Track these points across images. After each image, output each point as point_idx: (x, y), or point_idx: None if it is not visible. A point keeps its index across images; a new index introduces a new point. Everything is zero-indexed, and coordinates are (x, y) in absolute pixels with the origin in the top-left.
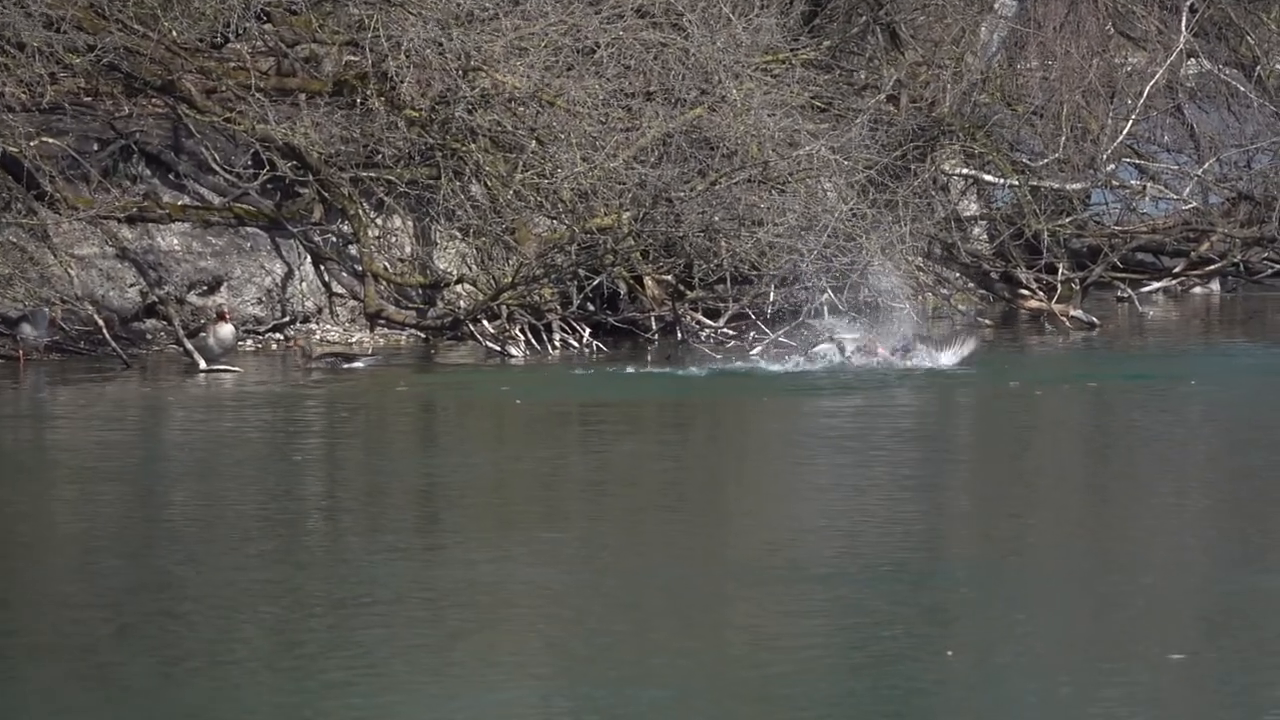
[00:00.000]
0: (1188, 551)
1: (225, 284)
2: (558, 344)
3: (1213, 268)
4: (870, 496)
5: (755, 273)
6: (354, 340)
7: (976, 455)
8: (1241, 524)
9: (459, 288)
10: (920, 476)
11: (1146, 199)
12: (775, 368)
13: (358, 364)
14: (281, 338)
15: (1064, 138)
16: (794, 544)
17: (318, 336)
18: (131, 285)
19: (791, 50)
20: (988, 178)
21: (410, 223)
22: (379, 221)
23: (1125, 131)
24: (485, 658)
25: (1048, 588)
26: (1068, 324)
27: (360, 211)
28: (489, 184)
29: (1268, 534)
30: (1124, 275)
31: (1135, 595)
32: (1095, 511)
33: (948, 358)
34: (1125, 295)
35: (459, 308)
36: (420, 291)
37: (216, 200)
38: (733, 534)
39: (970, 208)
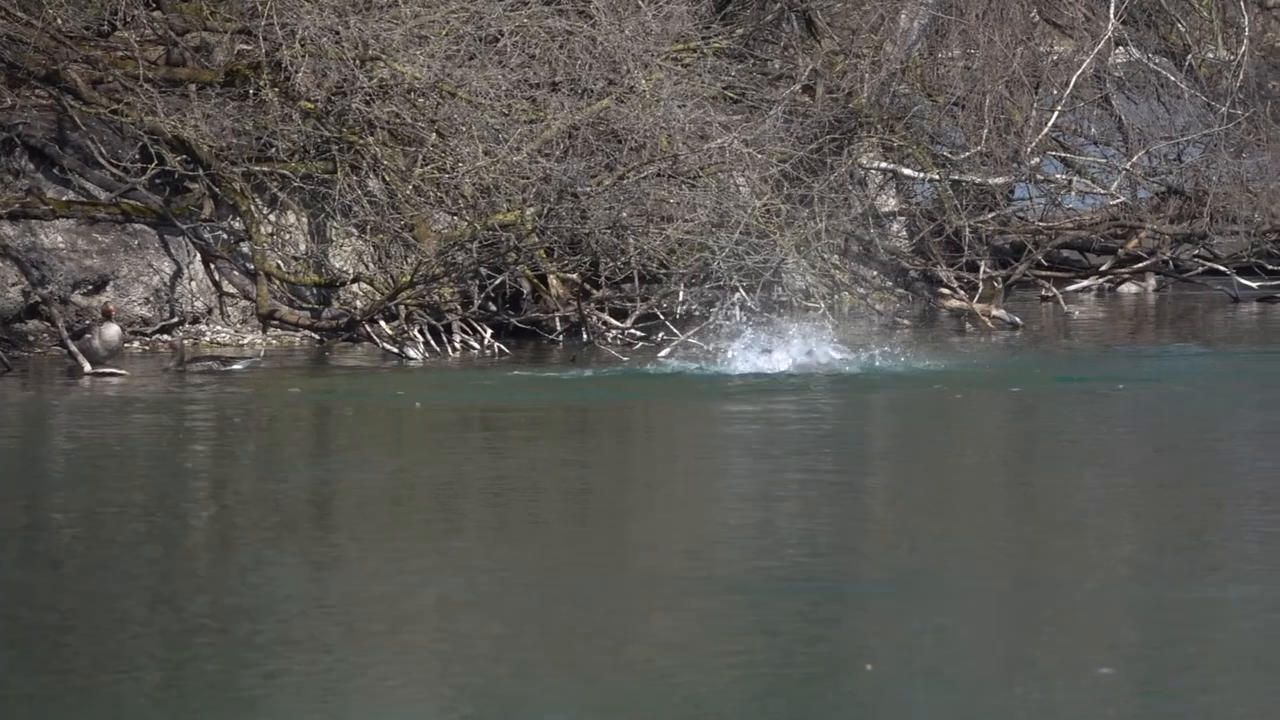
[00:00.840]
0: (1115, 562)
1: (111, 283)
2: (458, 345)
3: (1141, 265)
4: (786, 504)
5: (664, 271)
6: (245, 342)
7: (895, 461)
8: (1171, 533)
9: (355, 287)
10: (837, 483)
11: (1072, 194)
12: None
13: (236, 366)
14: (166, 339)
15: (987, 130)
16: (706, 553)
17: (208, 338)
18: (13, 284)
19: (703, 39)
20: (907, 172)
21: (305, 219)
22: (272, 218)
23: (1050, 123)
24: (383, 673)
25: (970, 599)
26: (990, 324)
27: (253, 207)
28: (387, 179)
29: (1198, 543)
30: (1049, 273)
31: (1061, 607)
32: (1018, 520)
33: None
34: (1050, 294)
35: (355, 308)
36: (315, 291)
37: (103, 196)
38: (642, 543)
39: (889, 203)
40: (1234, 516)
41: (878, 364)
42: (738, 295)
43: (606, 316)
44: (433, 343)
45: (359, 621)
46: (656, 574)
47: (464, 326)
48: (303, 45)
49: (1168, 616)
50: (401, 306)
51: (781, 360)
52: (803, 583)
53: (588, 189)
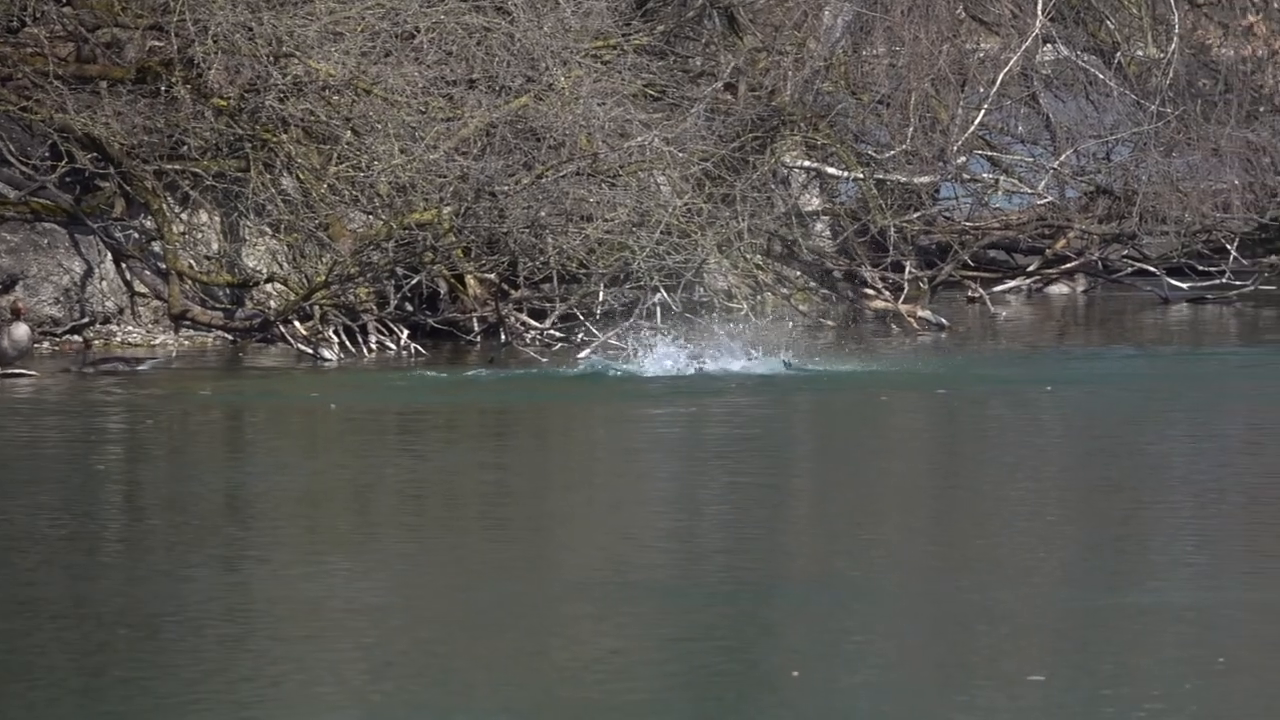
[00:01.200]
0: (1044, 567)
1: (20, 283)
2: (374, 346)
3: (1069, 266)
4: (711, 508)
5: (584, 271)
6: (158, 342)
7: (819, 464)
8: (1101, 538)
9: (269, 287)
10: (761, 487)
11: (999, 193)
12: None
13: (142, 367)
14: (77, 339)
15: (912, 128)
16: (628, 558)
17: (119, 339)
18: None
19: (623, 35)
20: (831, 171)
21: (217, 218)
22: (184, 217)
23: (977, 122)
24: (300, 681)
25: (899, 605)
26: (915, 325)
27: (164, 206)
28: (301, 177)
29: (1126, 549)
30: (975, 274)
31: (989, 613)
32: (945, 525)
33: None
34: (976, 295)
35: (269, 308)
36: (228, 291)
37: (12, 194)
38: (566, 548)
39: (812, 202)
40: (1165, 521)
41: (801, 366)
42: (658, 296)
43: (525, 317)
44: (348, 343)
45: (278, 627)
46: (581, 579)
47: (380, 327)
48: (215, 41)
49: (1099, 623)
50: (316, 307)
51: (703, 363)
52: (728, 588)
53: (506, 188)
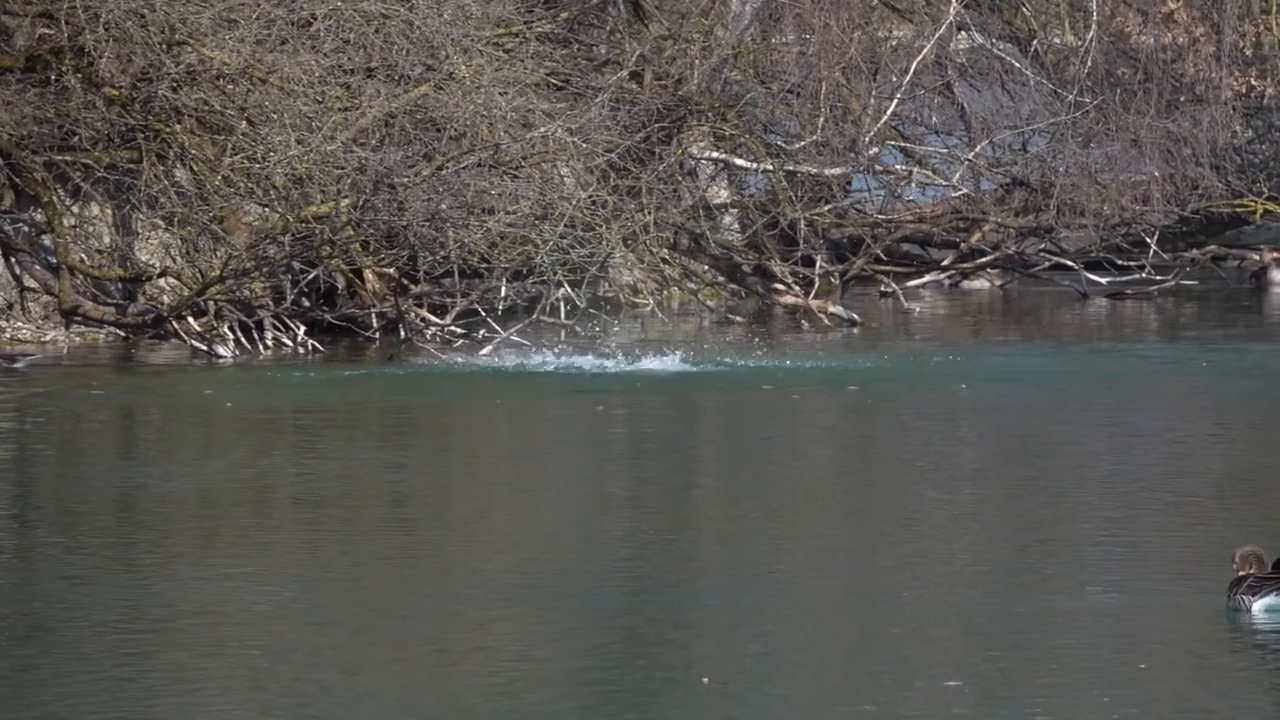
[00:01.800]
0: (961, 569)
1: None
2: (270, 343)
3: (985, 260)
4: (617, 508)
5: (486, 266)
6: (48, 338)
7: (728, 464)
8: (1018, 540)
9: (162, 281)
10: (667, 488)
11: (912, 185)
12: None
13: (18, 365)
14: None
15: (823, 118)
16: (535, 560)
17: (8, 335)
18: None
19: (525, 23)
20: (739, 162)
21: (109, 211)
22: (75, 210)
23: (889, 112)
24: (198, 690)
25: (809, 608)
26: (826, 321)
27: (55, 199)
28: (195, 169)
29: (1046, 551)
30: (888, 268)
31: (903, 616)
32: (859, 526)
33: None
34: (889, 290)
35: (162, 303)
36: (120, 286)
37: None
38: (468, 550)
39: (720, 195)
40: (1086, 522)
41: (710, 363)
42: (562, 290)
43: (425, 313)
44: (243, 340)
45: (175, 633)
46: (487, 582)
47: (276, 323)
48: (107, 29)
49: (1018, 626)
50: (211, 302)
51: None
52: (638, 591)
53: (405, 179)
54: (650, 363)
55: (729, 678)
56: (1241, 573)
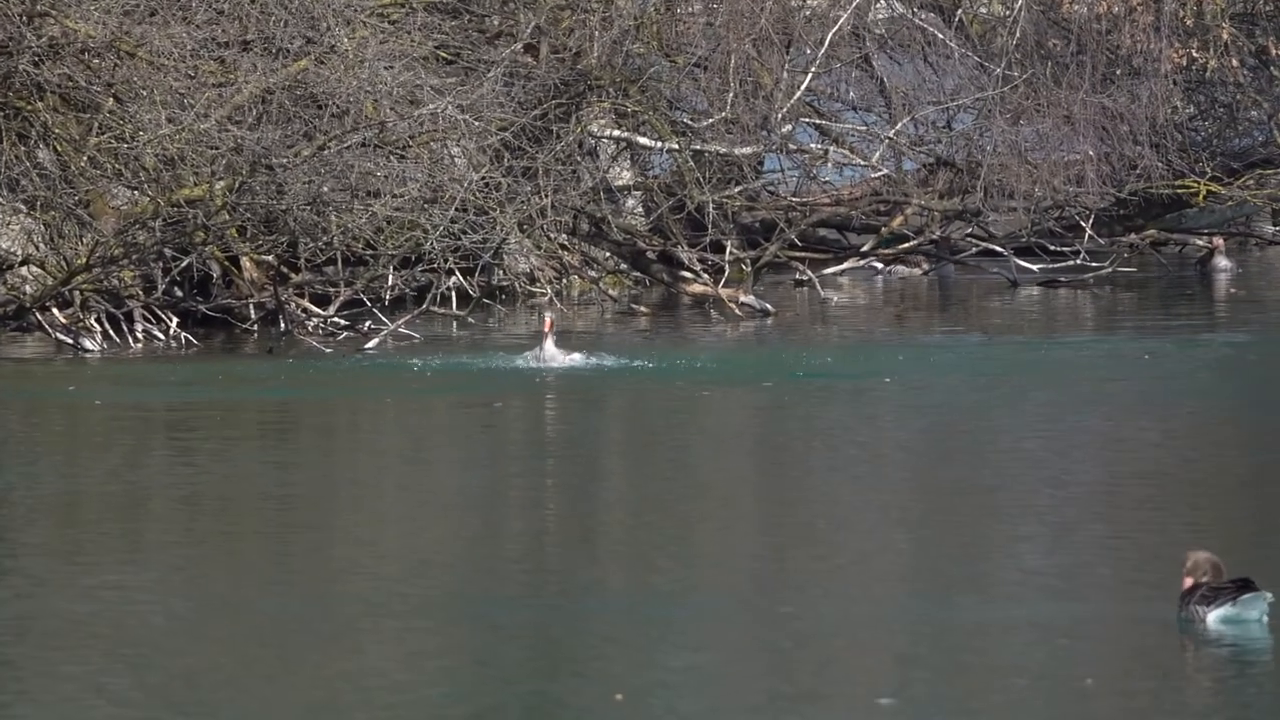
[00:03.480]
0: (887, 578)
1: None
2: (140, 336)
3: (908, 246)
4: (512, 514)
5: (371, 253)
6: None
7: (633, 466)
8: (945, 545)
9: (24, 270)
10: (567, 492)
11: (829, 165)
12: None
13: None
14: None
15: (732, 94)
16: (425, 569)
17: None
18: None
19: None
20: (643, 141)
21: None
22: None
23: (804, 86)
24: (64, 713)
25: (726, 621)
26: (737, 311)
27: None
28: (59, 149)
29: (975, 557)
30: (803, 255)
31: (827, 629)
32: (776, 532)
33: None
34: (805, 278)
35: (24, 293)
36: None
37: None
38: (353, 558)
39: (623, 176)
40: (1018, 527)
41: (614, 358)
42: (454, 279)
43: (307, 303)
44: (112, 333)
45: (38, 650)
46: (373, 593)
47: (147, 314)
48: None
49: (950, 639)
50: (76, 292)
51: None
52: (535, 602)
53: (284, 160)
54: (549, 357)
55: (643, 695)
56: (1193, 581)
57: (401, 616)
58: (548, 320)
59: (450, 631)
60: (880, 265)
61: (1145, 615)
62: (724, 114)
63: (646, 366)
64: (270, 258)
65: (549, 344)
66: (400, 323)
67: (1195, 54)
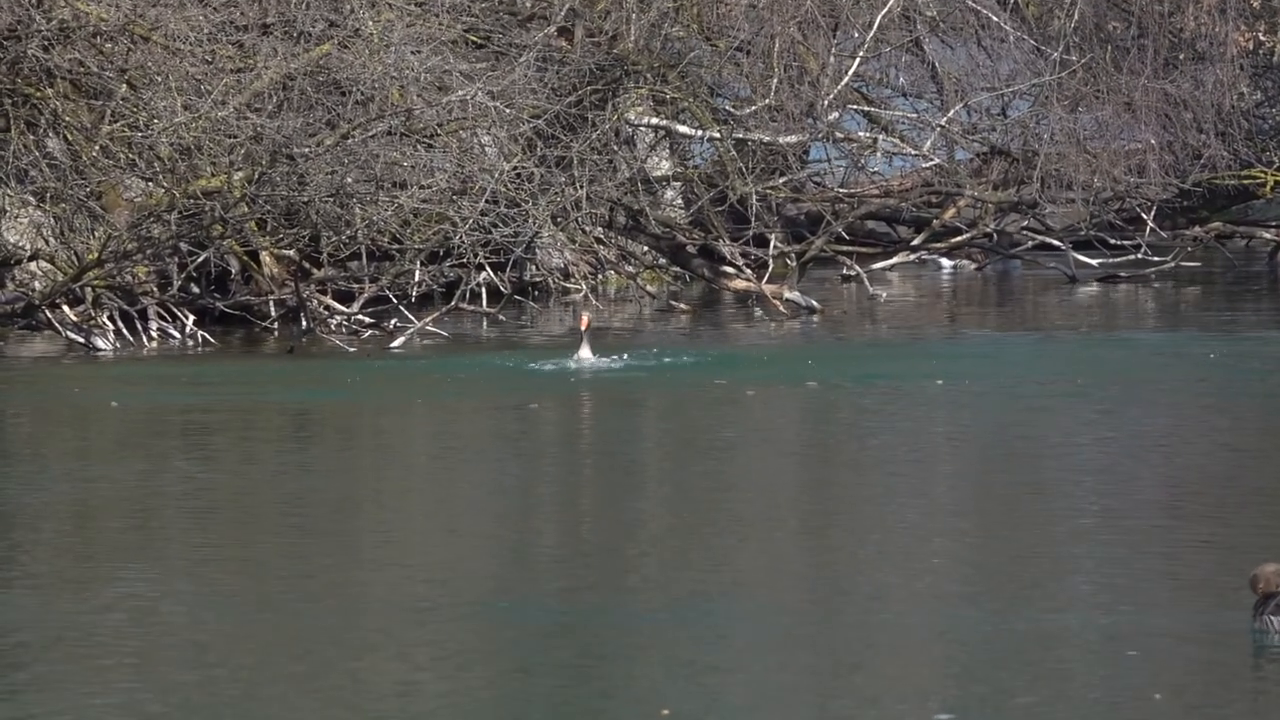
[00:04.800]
0: (941, 586)
1: None
2: (155, 334)
3: (960, 239)
4: (548, 518)
5: (397, 247)
6: None
7: (675, 468)
8: (1001, 552)
9: (33, 266)
10: (609, 494)
11: (878, 155)
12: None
13: None
14: None
15: (776, 80)
16: (456, 576)
17: None
18: None
19: None
20: (682, 129)
21: None
22: None
23: (851, 72)
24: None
25: (772, 631)
26: (782, 308)
27: None
28: (70, 138)
29: (1033, 565)
30: (851, 249)
31: (881, 640)
32: (821, 538)
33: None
34: (852, 273)
35: (33, 290)
36: None
37: None
38: (380, 565)
39: (661, 166)
40: (1077, 533)
41: (652, 356)
42: (484, 275)
43: (329, 300)
44: (125, 331)
45: (51, 662)
46: (402, 602)
47: (161, 312)
48: None
49: (1010, 650)
50: (88, 289)
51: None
52: (571, 611)
53: (306, 150)
54: (583, 360)
55: (694, 710)
56: (1267, 591)
57: (430, 626)
58: (584, 319)
59: (486, 641)
60: (946, 262)
61: (1214, 626)
62: (767, 101)
63: (687, 366)
64: (291, 252)
65: (584, 348)
66: (428, 321)
67: (1262, 37)
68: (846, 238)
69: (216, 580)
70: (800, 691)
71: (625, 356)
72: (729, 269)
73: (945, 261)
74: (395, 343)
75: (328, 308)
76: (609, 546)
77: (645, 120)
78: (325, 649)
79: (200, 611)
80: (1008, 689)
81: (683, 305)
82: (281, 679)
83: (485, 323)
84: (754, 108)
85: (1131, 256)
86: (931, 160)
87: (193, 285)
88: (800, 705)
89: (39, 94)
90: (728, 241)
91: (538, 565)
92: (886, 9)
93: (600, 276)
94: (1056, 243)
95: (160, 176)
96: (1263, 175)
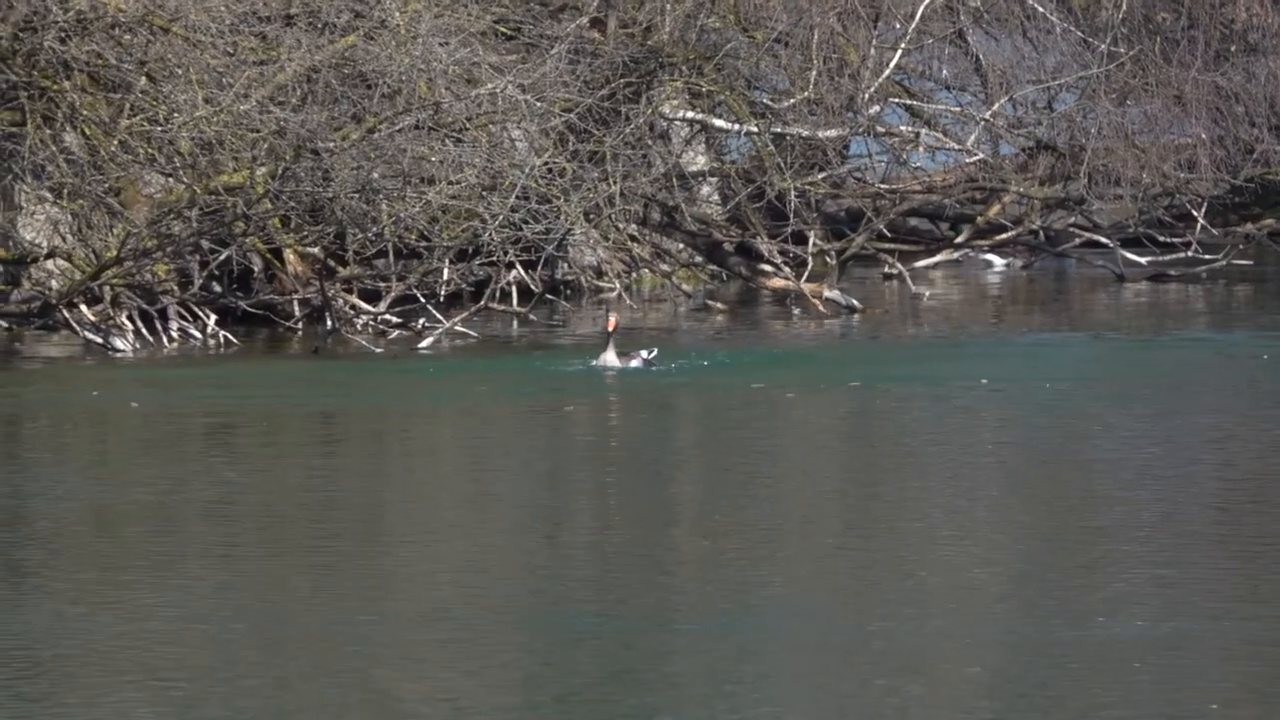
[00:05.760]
0: (984, 594)
1: None
2: (175, 334)
3: (1005, 237)
4: (575, 524)
5: (425, 244)
6: None
7: (712, 473)
8: (1047, 560)
9: (50, 264)
10: (638, 498)
11: (920, 150)
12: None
13: None
14: None
15: (815, 72)
16: (482, 583)
17: None
18: None
19: None
20: (719, 123)
21: None
22: None
23: (893, 64)
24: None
25: (808, 641)
26: (822, 308)
27: None
28: (88, 132)
29: (1080, 572)
30: (892, 246)
31: (923, 651)
32: (862, 545)
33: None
34: (894, 271)
35: (50, 289)
36: (1, 269)
37: None
38: (405, 573)
39: (697, 161)
40: (1125, 540)
41: (689, 357)
42: (514, 273)
43: (355, 299)
44: (144, 331)
45: (71, 672)
46: (427, 609)
47: (182, 311)
48: None
49: (1051, 662)
50: (106, 287)
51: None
52: (602, 618)
53: (331, 144)
54: (610, 359)
55: None
56: None
57: (454, 634)
58: (612, 320)
59: (517, 652)
60: (998, 260)
61: (1272, 636)
62: (806, 94)
63: (723, 367)
64: (316, 250)
65: (609, 351)
66: (457, 320)
67: None
68: (888, 235)
69: (243, 590)
70: (847, 701)
71: (654, 352)
72: (767, 267)
73: (997, 260)
74: (423, 343)
75: (353, 307)
76: (646, 554)
77: (680, 114)
78: (356, 661)
79: (227, 621)
80: (1055, 701)
81: (719, 305)
82: (311, 691)
83: (516, 323)
84: (793, 101)
85: (1181, 254)
86: (975, 155)
87: (214, 284)
88: (848, 713)
89: (56, 87)
90: (765, 239)
91: (573, 572)
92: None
93: (634, 275)
94: (1104, 240)
95: (181, 172)
96: None
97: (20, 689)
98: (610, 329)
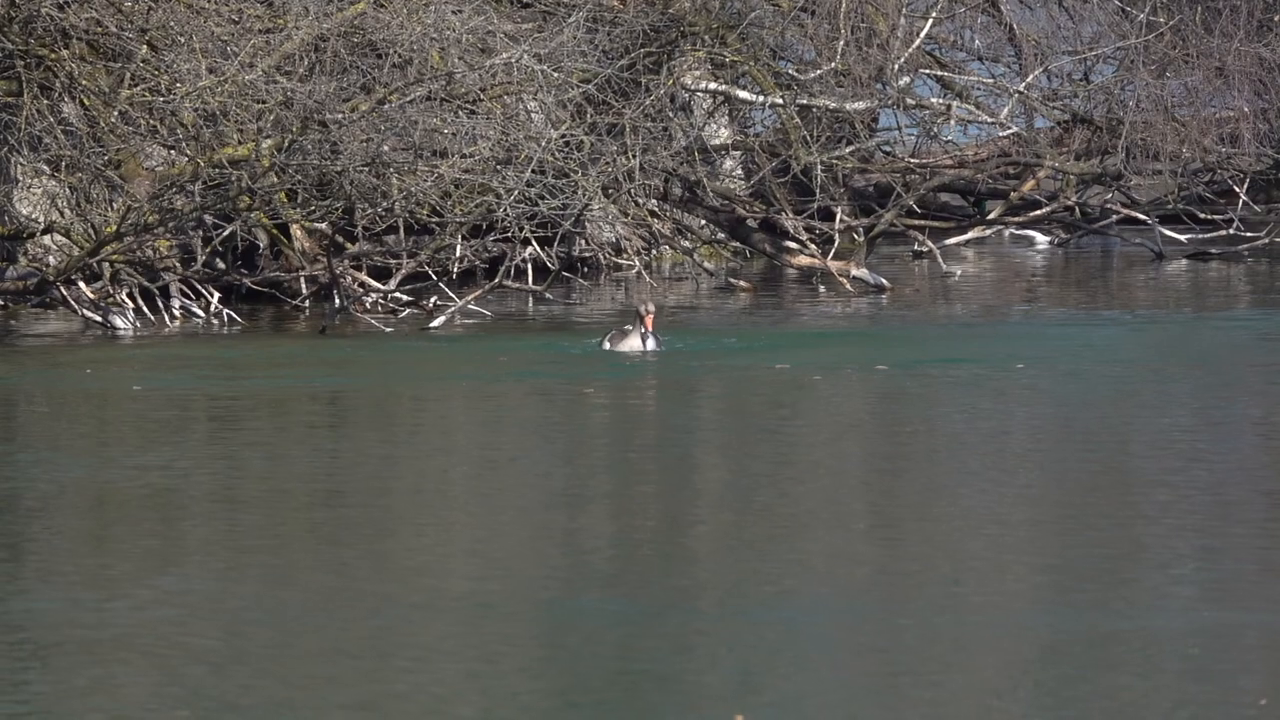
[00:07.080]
0: (1018, 584)
1: None
2: (178, 313)
3: (1040, 213)
4: (595, 509)
5: (437, 220)
6: None
7: (736, 458)
8: (1084, 548)
9: (47, 239)
10: (660, 484)
11: (952, 123)
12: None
13: None
14: None
15: (843, 42)
16: (499, 571)
17: None
18: None
19: None
20: (743, 95)
21: None
22: None
23: (923, 34)
24: None
25: (834, 631)
26: (849, 286)
27: None
28: (86, 103)
29: (1119, 560)
30: (923, 223)
31: (951, 643)
32: (891, 533)
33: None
34: (924, 249)
35: (47, 265)
36: None
37: None
38: (418, 559)
39: (720, 134)
40: (1163, 528)
41: (711, 338)
42: (530, 250)
43: (364, 277)
44: (145, 309)
45: (68, 665)
46: (441, 598)
47: (185, 289)
48: None
49: (1091, 654)
50: (106, 264)
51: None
52: (628, 605)
53: (339, 116)
54: (634, 344)
55: (766, 717)
56: None
57: (470, 623)
58: (649, 317)
59: (522, 638)
60: (1040, 237)
61: None
62: (834, 64)
63: (747, 348)
64: (324, 225)
65: (634, 335)
66: (470, 299)
67: None
68: (918, 211)
69: (249, 577)
70: (880, 694)
71: (664, 339)
72: (792, 244)
73: (1040, 237)
74: (435, 322)
75: (362, 285)
76: (669, 541)
77: (703, 85)
78: (367, 650)
79: (234, 610)
80: (1097, 694)
81: (742, 283)
82: (319, 680)
83: (531, 301)
84: (819, 72)
85: (1223, 232)
86: (1009, 129)
87: (218, 260)
88: (880, 708)
89: (54, 56)
90: (791, 215)
91: (594, 559)
92: None
93: (654, 252)
94: (1143, 217)
95: (183, 144)
96: None
97: (23, 672)
98: (647, 327)
